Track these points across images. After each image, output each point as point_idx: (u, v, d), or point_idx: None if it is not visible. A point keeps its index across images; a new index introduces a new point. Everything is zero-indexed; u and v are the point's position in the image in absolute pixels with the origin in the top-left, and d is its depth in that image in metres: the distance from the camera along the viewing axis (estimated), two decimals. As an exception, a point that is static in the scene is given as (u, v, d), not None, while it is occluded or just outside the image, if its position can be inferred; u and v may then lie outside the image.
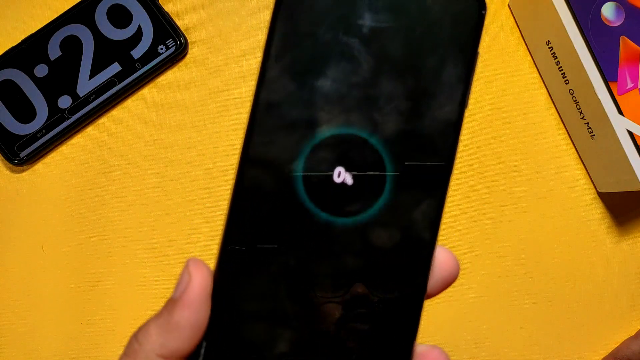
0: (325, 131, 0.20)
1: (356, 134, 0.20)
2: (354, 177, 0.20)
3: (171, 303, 0.20)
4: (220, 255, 0.20)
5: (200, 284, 0.19)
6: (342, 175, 0.20)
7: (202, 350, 0.19)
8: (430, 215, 0.20)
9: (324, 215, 0.20)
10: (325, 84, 0.20)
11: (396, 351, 0.20)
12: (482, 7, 0.20)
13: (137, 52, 0.40)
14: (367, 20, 0.20)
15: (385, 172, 0.20)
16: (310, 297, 0.20)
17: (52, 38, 0.40)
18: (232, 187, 0.20)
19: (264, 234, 0.20)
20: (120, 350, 0.41)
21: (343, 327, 0.20)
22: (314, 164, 0.20)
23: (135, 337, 0.20)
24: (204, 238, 0.41)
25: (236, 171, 0.20)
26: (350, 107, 0.20)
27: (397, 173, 0.20)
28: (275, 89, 0.20)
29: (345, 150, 0.20)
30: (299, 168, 0.20)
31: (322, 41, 0.20)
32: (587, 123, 0.39)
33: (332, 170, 0.20)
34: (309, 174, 0.20)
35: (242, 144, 0.20)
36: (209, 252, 0.41)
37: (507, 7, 0.43)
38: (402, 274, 0.20)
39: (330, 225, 0.20)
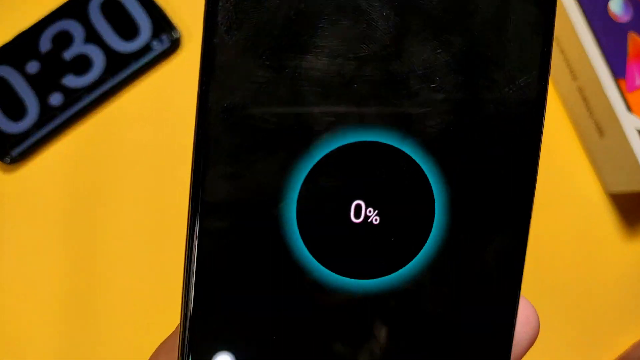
0: (328, 143, 0.12)
1: (380, 142, 0.12)
2: (381, 213, 0.12)
3: None
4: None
5: None
6: (363, 213, 0.12)
7: None
8: (510, 256, 0.14)
9: (337, 279, 0.12)
10: (318, 62, 0.11)
11: None
12: None
13: (130, 48, 0.40)
14: None
15: (434, 201, 0.12)
16: None
17: (43, 34, 0.40)
18: (185, 254, 0.13)
19: (241, 325, 0.12)
20: (115, 352, 0.41)
21: None
22: (316, 201, 0.12)
23: None
24: (199, 239, 0.40)
25: (187, 227, 0.12)
26: (364, 97, 0.12)
27: (454, 197, 0.12)
28: (233, 81, 0.12)
29: (364, 171, 0.12)
30: (290, 210, 0.12)
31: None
32: (595, 121, 0.39)
33: (348, 207, 0.12)
34: (307, 216, 0.12)
35: (190, 184, 0.12)
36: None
37: None
38: (474, 349, 0.13)
39: (347, 293, 0.12)
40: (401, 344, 0.12)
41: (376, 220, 0.12)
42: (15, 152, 0.39)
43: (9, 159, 0.39)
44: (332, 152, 0.12)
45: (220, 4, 0.12)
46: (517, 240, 0.14)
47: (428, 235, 0.12)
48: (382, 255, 0.12)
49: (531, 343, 0.16)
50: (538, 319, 0.16)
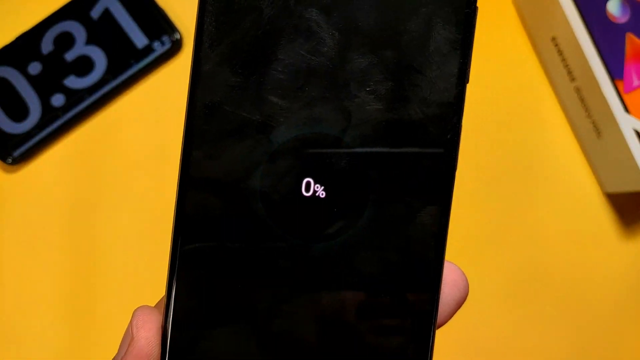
0: (285, 133, 0.15)
1: (326, 132, 0.15)
2: (327, 189, 0.15)
3: None
4: (169, 312, 0.16)
5: (142, 348, 0.16)
6: (312, 188, 0.15)
7: None
8: (433, 227, 0.16)
9: (294, 242, 0.15)
10: (278, 70, 0.15)
11: None
12: None
13: (131, 49, 0.40)
14: None
15: (368, 177, 0.15)
16: (282, 345, 0.15)
17: (45, 35, 0.40)
18: (174, 220, 0.16)
19: (218, 276, 0.15)
20: (114, 353, 0.41)
21: None
22: (275, 178, 0.15)
23: None
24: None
25: (176, 199, 0.16)
26: (314, 97, 0.15)
27: (384, 176, 0.15)
28: (214, 85, 0.15)
29: (313, 155, 0.15)
30: (255, 184, 0.15)
31: (269, 15, 0.15)
32: (593, 122, 0.39)
33: (300, 183, 0.15)
34: (269, 190, 0.15)
35: (180, 162, 0.16)
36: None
37: (511, 3, 0.43)
38: (403, 306, 0.16)
39: (303, 253, 0.15)
40: (337, 297, 0.15)
41: (322, 194, 0.15)
42: (17, 152, 0.39)
43: (10, 160, 0.39)
44: (288, 140, 0.15)
45: (205, 27, 0.15)
46: (440, 213, 0.16)
47: (365, 207, 0.15)
48: (326, 223, 0.15)
49: (459, 304, 0.18)
50: (466, 283, 0.18)
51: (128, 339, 0.16)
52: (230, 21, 0.15)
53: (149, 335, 0.16)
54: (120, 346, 0.17)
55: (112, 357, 0.18)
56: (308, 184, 0.15)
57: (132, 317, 0.17)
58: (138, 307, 0.17)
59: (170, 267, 0.17)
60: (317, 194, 0.15)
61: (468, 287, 0.18)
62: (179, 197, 0.16)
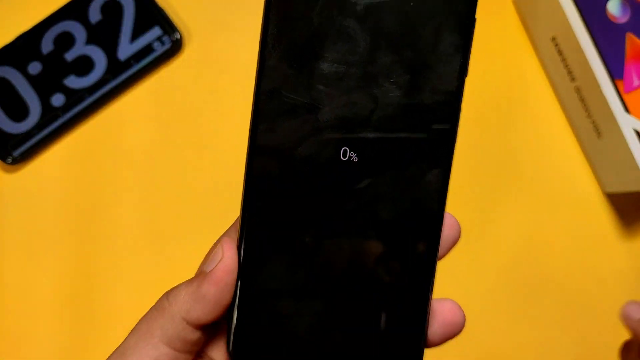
0: (328, 113, 0.20)
1: (359, 113, 0.20)
2: (359, 155, 0.21)
3: (202, 275, 0.22)
4: (243, 240, 0.22)
5: (229, 265, 0.21)
6: (347, 154, 0.21)
7: (233, 321, 0.21)
8: (437, 184, 0.21)
9: (334, 192, 0.21)
10: (324, 65, 0.20)
11: (413, 306, 0.22)
12: None
13: (131, 49, 0.40)
14: None
15: (389, 147, 0.21)
16: (328, 269, 0.21)
17: (45, 35, 0.40)
18: (245, 175, 0.21)
19: (280, 214, 0.21)
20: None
21: (363, 292, 0.21)
22: (321, 146, 0.21)
23: (167, 296, 0.23)
24: (201, 237, 0.40)
25: (247, 158, 0.21)
26: (350, 86, 0.20)
27: (402, 147, 0.21)
28: (275, 75, 0.20)
29: (349, 130, 0.21)
30: (306, 151, 0.21)
31: (317, 24, 0.20)
32: (593, 122, 0.39)
33: (338, 151, 0.21)
34: (315, 156, 0.21)
35: (249, 133, 0.21)
36: (206, 251, 0.40)
37: (512, 3, 0.43)
38: (414, 240, 0.21)
39: (339, 202, 0.21)
40: (364, 232, 0.21)
41: (355, 159, 0.21)
42: (17, 152, 0.39)
43: (10, 159, 0.39)
44: (330, 118, 0.20)
45: (269, 31, 0.20)
46: (442, 174, 0.21)
47: (387, 170, 0.21)
48: (357, 180, 0.21)
49: (454, 242, 0.23)
50: (459, 227, 0.22)
51: (217, 256, 0.22)
52: (288, 27, 0.20)
53: (233, 255, 0.21)
54: (205, 263, 0.22)
55: (196, 270, 0.23)
56: (345, 152, 0.21)
57: (220, 242, 0.22)
58: (224, 234, 0.23)
59: (243, 208, 0.21)
60: (351, 159, 0.21)
61: (460, 230, 0.22)
62: (250, 156, 0.21)
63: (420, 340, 0.22)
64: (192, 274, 0.41)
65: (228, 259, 0.21)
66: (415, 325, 0.22)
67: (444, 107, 0.21)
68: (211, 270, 0.21)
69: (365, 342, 0.21)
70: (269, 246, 0.21)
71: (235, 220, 0.23)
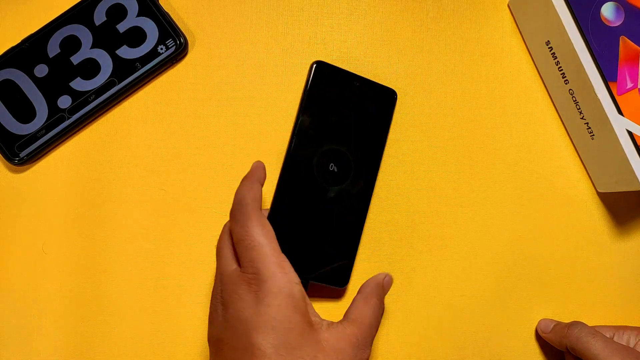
0: (325, 146, 0.39)
1: (338, 147, 0.39)
2: (338, 168, 0.39)
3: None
4: (274, 199, 0.38)
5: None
6: (333, 167, 0.39)
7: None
8: (366, 182, 0.40)
9: (325, 185, 0.39)
10: (327, 125, 0.39)
11: (349, 244, 0.39)
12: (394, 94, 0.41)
13: (136, 52, 0.40)
14: (341, 108, 0.39)
15: (351, 165, 0.39)
16: (316, 211, 0.39)
17: (51, 38, 0.40)
18: (280, 173, 0.38)
19: (295, 194, 0.38)
20: (121, 350, 0.41)
21: (326, 234, 0.39)
22: (321, 161, 0.39)
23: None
24: (204, 237, 0.41)
25: (283, 162, 0.38)
26: (336, 136, 0.39)
27: (353, 165, 0.39)
28: (305, 124, 0.39)
29: (334, 154, 0.39)
30: (315, 162, 0.39)
31: (325, 105, 0.39)
32: (587, 123, 0.39)
33: (329, 164, 0.39)
34: (318, 165, 0.39)
35: (287, 148, 0.38)
36: (209, 250, 0.40)
37: (506, 7, 0.43)
38: (355, 203, 0.39)
39: (327, 189, 0.39)
40: (339, 208, 0.39)
41: (336, 170, 0.39)
42: (24, 153, 0.40)
43: (17, 160, 0.40)
44: (325, 149, 0.39)
45: (306, 101, 0.39)
46: (366, 183, 0.40)
47: (349, 175, 0.39)
48: (336, 181, 0.39)
49: None
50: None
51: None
52: (315, 102, 0.39)
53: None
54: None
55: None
56: (331, 165, 0.39)
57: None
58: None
59: (277, 188, 0.38)
60: (334, 169, 0.39)
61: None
62: (285, 162, 0.38)
63: (350, 265, 0.39)
64: (195, 273, 0.42)
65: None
66: (350, 253, 0.39)
67: (375, 147, 0.40)
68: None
69: (326, 258, 0.38)
70: (285, 209, 0.38)
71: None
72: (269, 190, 0.39)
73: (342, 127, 0.39)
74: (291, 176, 0.38)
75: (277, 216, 0.37)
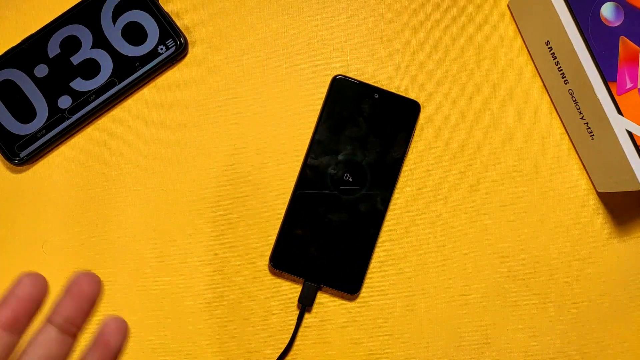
0: (341, 156, 0.41)
1: (355, 159, 0.41)
2: (353, 178, 0.41)
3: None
4: (288, 207, 0.40)
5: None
6: (347, 177, 0.41)
7: (273, 246, 0.40)
8: (384, 194, 0.41)
9: (338, 194, 0.41)
10: (344, 137, 0.41)
11: (363, 250, 0.41)
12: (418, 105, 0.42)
13: (137, 52, 0.40)
14: (362, 116, 0.41)
15: (366, 176, 0.41)
16: (330, 219, 0.41)
17: (52, 38, 0.40)
18: (295, 184, 0.41)
19: (312, 200, 0.41)
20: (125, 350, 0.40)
21: (341, 242, 0.41)
22: (336, 171, 0.41)
23: None
24: (203, 237, 0.41)
25: (298, 173, 0.41)
26: (354, 148, 0.41)
27: (369, 177, 0.41)
28: (322, 135, 0.41)
29: (350, 165, 0.41)
30: (330, 172, 0.41)
31: (344, 118, 0.41)
32: (587, 123, 0.39)
33: (345, 174, 0.41)
34: (334, 174, 0.41)
35: (304, 157, 0.41)
36: (210, 250, 0.41)
37: (506, 7, 0.43)
38: (369, 213, 0.41)
39: (341, 198, 0.40)
40: (352, 217, 0.41)
41: (350, 180, 0.41)
42: (24, 153, 0.40)
43: (18, 160, 0.40)
44: (341, 159, 0.41)
45: (324, 116, 0.41)
46: (386, 195, 0.41)
47: (364, 185, 0.41)
48: (351, 190, 0.41)
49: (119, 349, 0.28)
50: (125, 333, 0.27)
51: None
52: (332, 114, 0.41)
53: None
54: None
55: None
56: (346, 175, 0.41)
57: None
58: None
59: (293, 193, 0.40)
60: (348, 179, 0.41)
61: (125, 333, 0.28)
62: (301, 173, 0.41)
63: (365, 268, 0.40)
64: (196, 272, 0.41)
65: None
66: (363, 261, 0.40)
67: (394, 160, 0.41)
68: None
69: (338, 265, 0.40)
70: (299, 217, 0.40)
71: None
72: (283, 195, 0.39)
73: (359, 139, 0.40)
74: (306, 184, 0.40)
75: (293, 220, 0.40)
